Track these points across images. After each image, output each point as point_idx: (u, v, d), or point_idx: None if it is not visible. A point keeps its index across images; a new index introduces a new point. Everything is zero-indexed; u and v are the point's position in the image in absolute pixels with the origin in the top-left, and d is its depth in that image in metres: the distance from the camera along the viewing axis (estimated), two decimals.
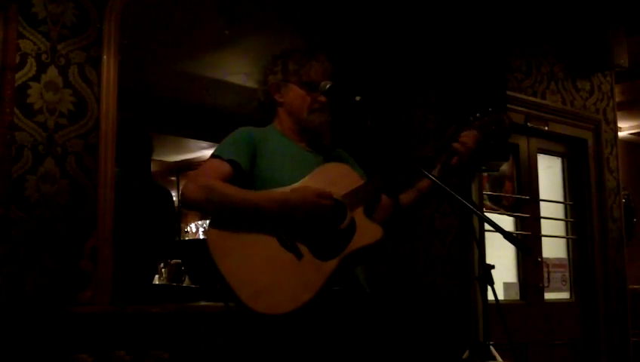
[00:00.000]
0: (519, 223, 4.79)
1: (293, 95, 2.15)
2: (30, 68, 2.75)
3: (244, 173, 2.02)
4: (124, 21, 3.03)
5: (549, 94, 4.91)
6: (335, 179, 2.04)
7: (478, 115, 2.13)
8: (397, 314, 3.78)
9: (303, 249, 1.92)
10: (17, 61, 2.71)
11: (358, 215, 1.99)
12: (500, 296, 4.12)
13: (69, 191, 2.80)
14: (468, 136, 2.10)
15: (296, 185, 2.00)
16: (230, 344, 2.96)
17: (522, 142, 4.86)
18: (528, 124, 4.71)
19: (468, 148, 2.10)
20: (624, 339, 5.07)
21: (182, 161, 7.74)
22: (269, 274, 1.89)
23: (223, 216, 1.95)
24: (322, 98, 2.12)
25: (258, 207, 1.92)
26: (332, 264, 1.91)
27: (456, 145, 2.09)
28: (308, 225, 1.93)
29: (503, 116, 2.13)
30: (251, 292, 1.86)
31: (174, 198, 3.80)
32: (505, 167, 4.61)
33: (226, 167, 2.00)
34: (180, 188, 7.37)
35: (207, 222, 2.08)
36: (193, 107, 6.23)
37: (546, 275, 4.80)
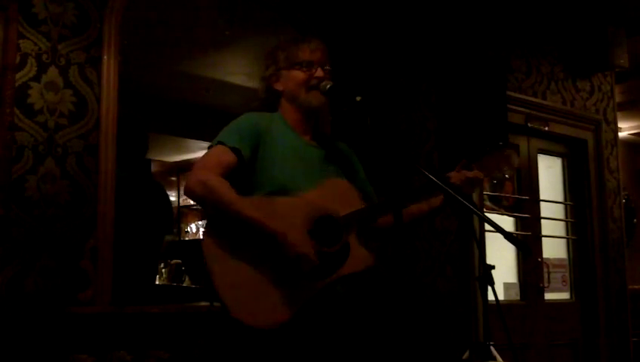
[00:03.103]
0: (519, 223, 4.78)
1: (288, 78, 2.16)
2: (30, 68, 2.74)
3: (245, 163, 2.02)
4: (124, 21, 3.03)
5: (549, 94, 4.91)
6: (336, 196, 2.05)
7: (487, 148, 2.13)
8: (396, 314, 3.78)
9: (294, 266, 1.91)
10: (18, 61, 2.71)
11: (353, 239, 2.01)
12: (500, 296, 4.10)
13: (69, 192, 2.79)
14: (457, 178, 2.14)
15: (299, 198, 2.00)
16: (228, 343, 2.95)
17: (522, 143, 4.86)
18: (528, 124, 4.71)
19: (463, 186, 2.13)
20: (624, 339, 5.06)
21: (182, 161, 7.74)
22: (255, 286, 1.89)
23: (220, 219, 1.95)
24: (319, 73, 2.12)
25: (251, 224, 1.91)
26: (318, 285, 1.93)
27: (455, 181, 2.12)
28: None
29: (514, 155, 2.13)
30: (235, 298, 1.87)
31: (172, 198, 3.79)
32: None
33: (229, 157, 2.00)
34: (181, 187, 7.38)
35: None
36: (193, 107, 6.22)
37: (546, 275, 4.79)
